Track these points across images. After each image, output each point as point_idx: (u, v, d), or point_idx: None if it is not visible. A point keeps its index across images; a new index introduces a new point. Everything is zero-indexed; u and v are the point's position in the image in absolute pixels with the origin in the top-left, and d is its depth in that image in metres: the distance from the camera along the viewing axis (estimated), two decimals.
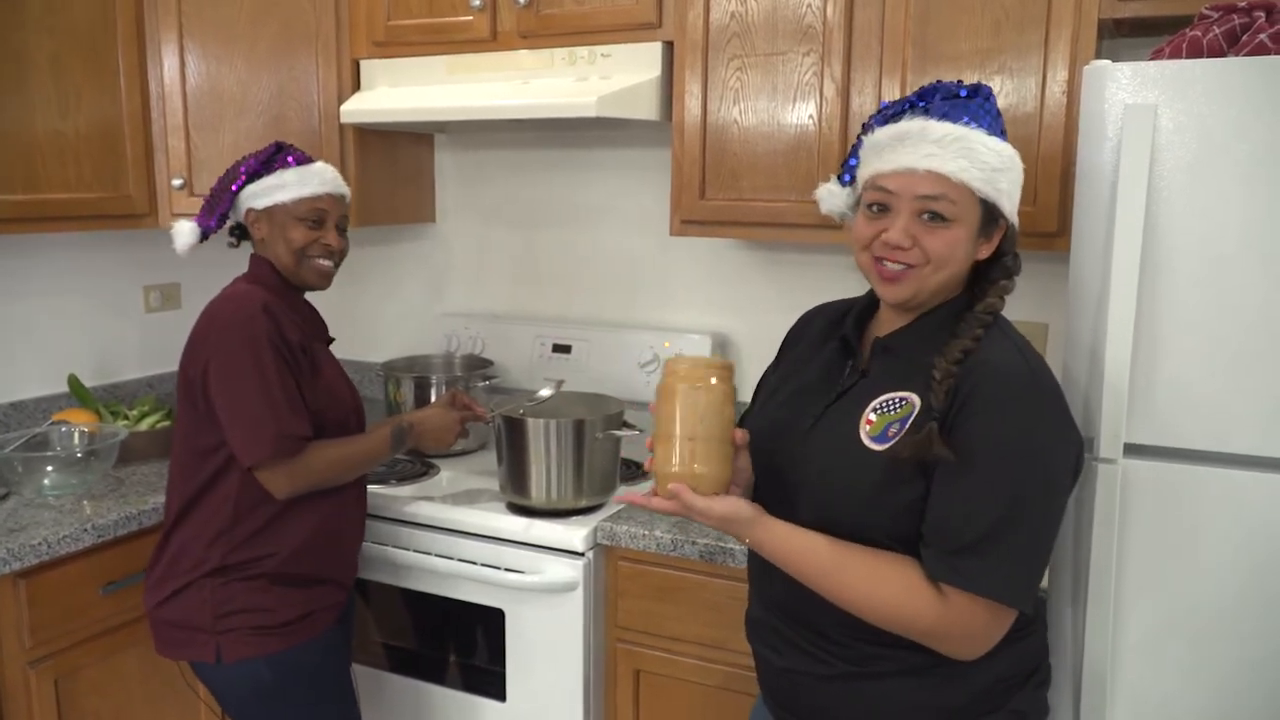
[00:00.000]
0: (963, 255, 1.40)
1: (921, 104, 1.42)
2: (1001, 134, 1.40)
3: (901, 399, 1.41)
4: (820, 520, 1.42)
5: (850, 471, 1.41)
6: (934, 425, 1.33)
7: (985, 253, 1.42)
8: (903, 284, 1.41)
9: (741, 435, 1.48)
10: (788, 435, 1.52)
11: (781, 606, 1.53)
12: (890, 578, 1.35)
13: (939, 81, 1.45)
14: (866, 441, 1.41)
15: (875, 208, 1.42)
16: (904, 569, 1.35)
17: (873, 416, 1.42)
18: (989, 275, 1.44)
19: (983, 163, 1.35)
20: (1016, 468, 1.31)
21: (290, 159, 2.02)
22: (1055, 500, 1.36)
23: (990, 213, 1.39)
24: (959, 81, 1.43)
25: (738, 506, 1.43)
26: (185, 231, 2.03)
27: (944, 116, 1.37)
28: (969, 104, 1.39)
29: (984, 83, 1.44)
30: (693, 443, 1.42)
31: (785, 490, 1.48)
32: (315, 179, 2.01)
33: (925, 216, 1.37)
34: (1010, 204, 1.40)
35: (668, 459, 1.44)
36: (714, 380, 1.44)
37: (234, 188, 2.01)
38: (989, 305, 1.41)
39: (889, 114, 1.44)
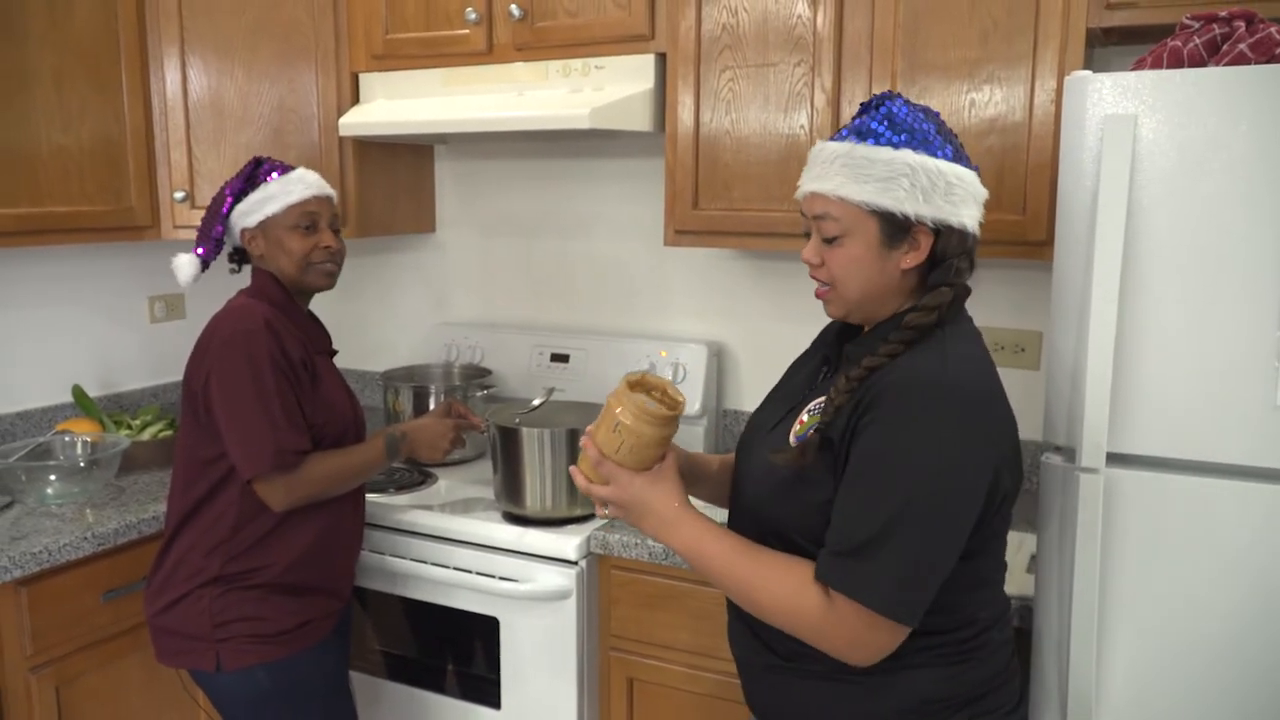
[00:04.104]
0: (867, 270, 1.39)
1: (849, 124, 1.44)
2: (905, 142, 1.36)
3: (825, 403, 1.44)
4: (748, 513, 1.50)
5: (768, 467, 1.45)
6: (814, 433, 1.37)
7: (911, 261, 1.39)
8: (829, 302, 1.46)
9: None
10: (753, 435, 1.58)
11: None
12: (784, 576, 1.37)
13: (876, 95, 1.46)
14: (791, 440, 1.46)
15: (806, 232, 1.47)
16: (797, 568, 1.37)
17: (804, 418, 1.47)
18: (928, 283, 1.42)
19: (866, 175, 1.35)
20: (906, 477, 1.30)
21: (271, 172, 2.03)
22: (953, 514, 1.32)
23: (893, 223, 1.37)
24: (883, 93, 1.43)
25: (650, 495, 1.47)
26: (185, 265, 2.05)
27: (844, 136, 1.40)
28: (869, 118, 1.40)
29: (895, 91, 1.46)
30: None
31: (737, 485, 1.57)
32: (299, 185, 2.02)
33: (825, 237, 1.41)
34: (919, 207, 1.36)
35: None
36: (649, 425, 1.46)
37: (224, 211, 2.02)
38: (910, 319, 1.37)
39: None
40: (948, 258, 1.40)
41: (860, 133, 1.39)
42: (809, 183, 1.42)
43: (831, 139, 1.43)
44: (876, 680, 1.41)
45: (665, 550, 2.10)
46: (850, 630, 1.33)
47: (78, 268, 2.83)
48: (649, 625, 2.17)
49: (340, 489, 2.01)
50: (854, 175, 1.36)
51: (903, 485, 1.30)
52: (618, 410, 1.45)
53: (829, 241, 1.41)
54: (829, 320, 1.68)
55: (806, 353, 1.68)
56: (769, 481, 1.46)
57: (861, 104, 1.45)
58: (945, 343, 1.38)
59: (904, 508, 1.30)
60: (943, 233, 1.39)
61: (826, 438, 1.38)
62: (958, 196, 1.38)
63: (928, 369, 1.34)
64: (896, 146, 1.36)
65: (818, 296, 1.47)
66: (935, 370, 1.34)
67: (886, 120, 1.39)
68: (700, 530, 1.44)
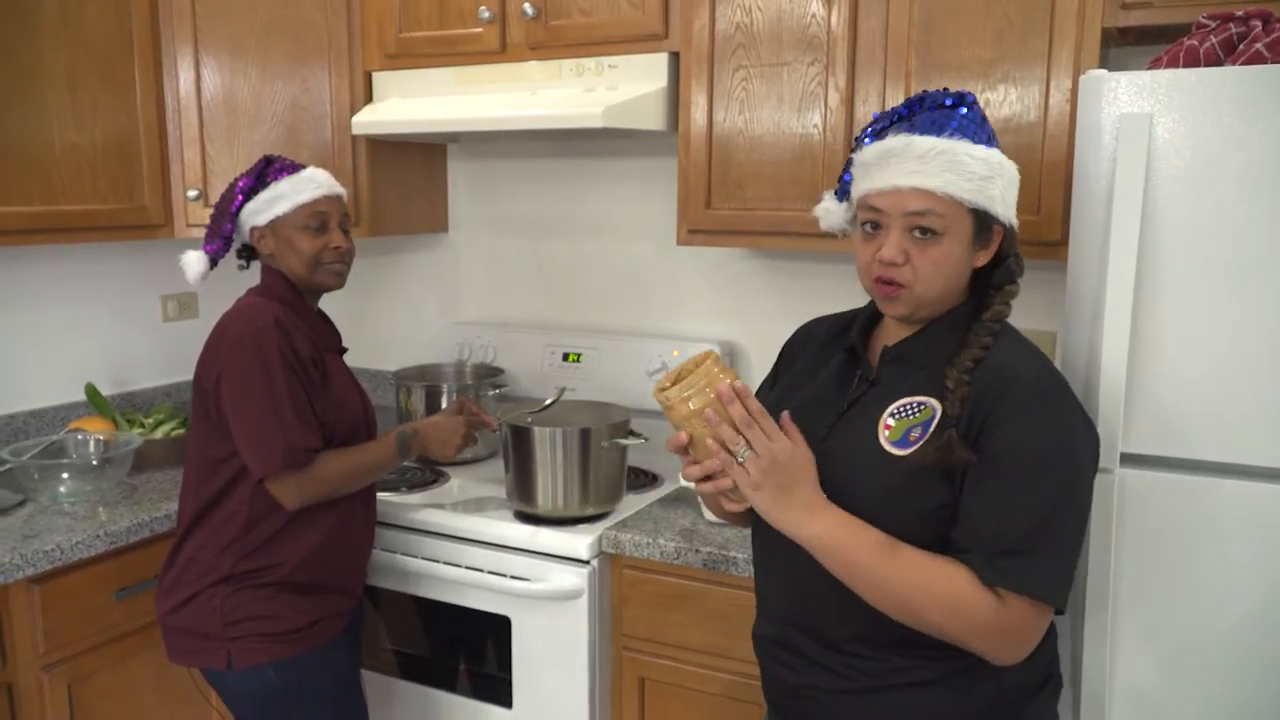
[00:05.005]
0: (955, 268, 1.40)
1: (907, 117, 1.42)
2: (988, 139, 1.40)
3: (920, 404, 1.40)
4: None
5: (871, 477, 1.40)
6: (953, 431, 1.33)
7: (983, 260, 1.42)
8: (901, 301, 1.41)
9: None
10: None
11: (796, 622, 1.50)
12: (944, 579, 1.33)
13: (925, 91, 1.45)
14: (887, 447, 1.40)
15: (870, 226, 1.42)
16: (957, 570, 1.33)
17: (891, 422, 1.41)
18: (993, 280, 1.44)
19: (970, 173, 1.35)
20: (1049, 470, 1.32)
21: (281, 170, 2.03)
22: (1084, 498, 1.38)
23: (983, 220, 1.39)
24: (945, 90, 1.43)
25: (809, 469, 1.38)
26: (194, 262, 2.05)
27: (927, 130, 1.37)
28: (953, 114, 1.39)
29: (969, 91, 1.44)
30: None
31: None
32: (309, 184, 2.01)
33: (916, 232, 1.38)
34: (1004, 208, 1.40)
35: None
36: (725, 377, 1.39)
37: (233, 209, 2.02)
38: (996, 313, 1.41)
39: (878, 128, 1.45)
40: (1007, 256, 1.44)
41: (956, 129, 1.37)
42: (905, 178, 1.36)
43: (913, 133, 1.38)
44: (977, 675, 1.39)
45: (678, 549, 2.09)
46: (1021, 627, 1.33)
47: (90, 266, 2.84)
48: (661, 625, 2.17)
49: (352, 487, 2.02)
50: (960, 172, 1.35)
51: (1047, 479, 1.32)
52: (694, 395, 1.37)
53: (923, 236, 1.37)
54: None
55: (805, 356, 1.63)
56: (877, 500, 1.38)
57: (912, 101, 1.45)
58: (1013, 336, 1.42)
59: (1053, 500, 1.31)
60: (1008, 232, 1.43)
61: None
62: (1012, 196, 1.43)
63: (1027, 364, 1.37)
64: (988, 145, 1.39)
65: (884, 295, 1.42)
66: (1036, 364, 1.38)
67: (976, 118, 1.40)
68: (844, 519, 1.36)
